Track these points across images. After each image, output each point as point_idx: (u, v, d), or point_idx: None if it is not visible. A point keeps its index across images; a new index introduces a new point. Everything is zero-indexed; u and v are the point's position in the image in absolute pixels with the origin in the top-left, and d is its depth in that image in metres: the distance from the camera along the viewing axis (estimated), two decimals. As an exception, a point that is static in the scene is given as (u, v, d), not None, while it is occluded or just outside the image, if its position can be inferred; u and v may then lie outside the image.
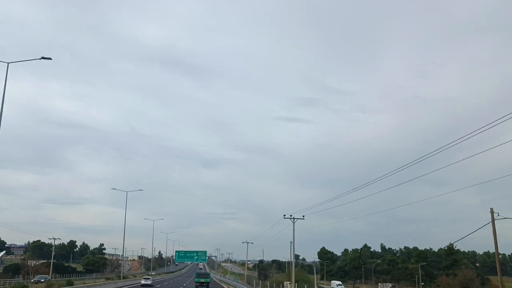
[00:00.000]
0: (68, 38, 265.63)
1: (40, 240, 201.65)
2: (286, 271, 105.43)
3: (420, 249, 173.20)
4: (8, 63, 30.69)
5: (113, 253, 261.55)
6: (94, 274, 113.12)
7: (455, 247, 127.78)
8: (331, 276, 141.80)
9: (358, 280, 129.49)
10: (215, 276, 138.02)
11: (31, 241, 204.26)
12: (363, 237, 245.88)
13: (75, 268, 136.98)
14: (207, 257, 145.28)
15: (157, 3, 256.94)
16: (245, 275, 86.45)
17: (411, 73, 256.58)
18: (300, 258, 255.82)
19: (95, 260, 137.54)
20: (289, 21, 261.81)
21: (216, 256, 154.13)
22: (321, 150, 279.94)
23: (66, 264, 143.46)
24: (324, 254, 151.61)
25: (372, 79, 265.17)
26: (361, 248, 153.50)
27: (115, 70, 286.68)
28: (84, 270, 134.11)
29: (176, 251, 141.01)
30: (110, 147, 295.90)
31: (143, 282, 71.05)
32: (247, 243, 79.72)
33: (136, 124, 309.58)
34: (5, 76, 30.10)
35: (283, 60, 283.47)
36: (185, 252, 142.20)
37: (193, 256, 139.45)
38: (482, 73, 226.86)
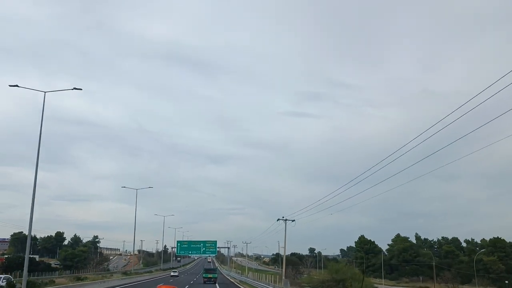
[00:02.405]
0: (74, 35, 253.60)
1: (22, 232, 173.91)
2: (328, 266, 74.81)
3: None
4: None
5: (107, 246, 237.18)
6: (57, 272, 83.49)
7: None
8: (374, 272, 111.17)
9: (420, 277, 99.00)
10: (228, 273, 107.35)
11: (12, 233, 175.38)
12: (370, 231, 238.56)
13: (50, 264, 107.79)
14: (217, 249, 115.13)
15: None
16: (284, 271, 55.83)
17: (420, 66, 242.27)
18: (316, 252, 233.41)
19: (74, 254, 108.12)
20: (295, 14, 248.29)
21: (229, 248, 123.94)
22: (329, 145, 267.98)
23: (38, 259, 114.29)
24: (364, 244, 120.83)
25: (380, 72, 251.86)
26: (370, 241, 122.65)
27: (122, 67, 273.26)
28: (61, 267, 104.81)
29: (177, 242, 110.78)
30: (117, 143, 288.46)
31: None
32: (285, 220, 49.10)
33: (143, 121, 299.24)
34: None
35: (289, 55, 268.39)
36: (189, 242, 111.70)
37: (200, 247, 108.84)
38: (492, 66, 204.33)
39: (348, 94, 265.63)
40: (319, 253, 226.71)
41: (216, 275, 70.18)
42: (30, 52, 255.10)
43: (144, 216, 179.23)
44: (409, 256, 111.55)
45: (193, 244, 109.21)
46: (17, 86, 35.69)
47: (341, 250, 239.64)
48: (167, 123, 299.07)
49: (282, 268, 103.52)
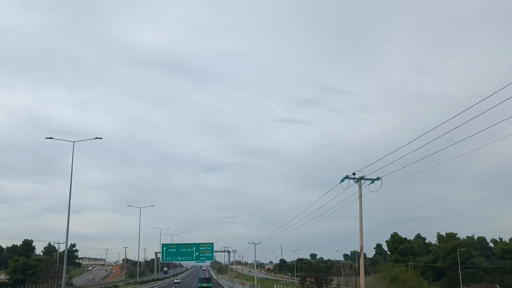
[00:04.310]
0: (65, 44, 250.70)
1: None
2: (382, 272, 50.98)
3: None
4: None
5: (90, 256, 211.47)
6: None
7: None
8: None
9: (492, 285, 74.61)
10: (231, 285, 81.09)
11: None
12: (364, 236, 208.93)
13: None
14: (214, 254, 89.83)
15: (155, 6, 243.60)
16: (361, 280, 30.65)
17: (412, 70, 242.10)
18: (318, 257, 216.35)
19: (28, 265, 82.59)
20: (288, 21, 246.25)
21: (229, 252, 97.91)
22: (323, 150, 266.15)
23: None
24: (398, 243, 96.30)
25: (372, 77, 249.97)
26: (406, 239, 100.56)
27: (114, 75, 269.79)
28: (10, 281, 79.42)
29: (162, 245, 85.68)
30: (110, 153, 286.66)
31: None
32: (359, 180, 24.62)
33: (136, 130, 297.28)
34: None
35: (281, 61, 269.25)
36: (178, 245, 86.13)
37: (192, 252, 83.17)
38: (484, 69, 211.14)
39: (341, 99, 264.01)
40: (321, 258, 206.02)
41: (211, 285, 72.73)
42: (20, 61, 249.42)
43: (135, 225, 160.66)
44: (460, 257, 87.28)
45: (183, 248, 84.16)
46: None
47: (345, 255, 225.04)
48: (161, 131, 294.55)
49: (296, 275, 78.17)
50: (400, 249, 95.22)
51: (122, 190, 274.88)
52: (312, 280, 71.55)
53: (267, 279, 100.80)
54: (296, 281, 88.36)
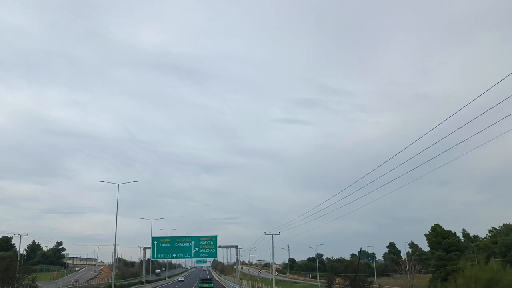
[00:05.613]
0: (65, 45, 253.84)
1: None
2: (466, 270, 31.58)
3: None
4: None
5: (81, 256, 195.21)
6: None
7: None
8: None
9: None
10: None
11: None
12: (365, 237, 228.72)
13: None
14: (217, 249, 72.45)
15: (154, 7, 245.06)
16: None
17: (412, 70, 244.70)
18: (324, 257, 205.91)
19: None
20: (286, 21, 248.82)
21: (237, 247, 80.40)
22: (323, 151, 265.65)
23: None
24: (442, 237, 79.11)
25: (372, 77, 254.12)
26: (450, 232, 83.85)
27: (113, 76, 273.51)
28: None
29: (153, 239, 68.56)
30: (110, 154, 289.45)
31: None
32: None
33: (136, 131, 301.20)
34: None
35: (281, 61, 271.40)
36: (173, 239, 69.11)
37: (190, 247, 66.36)
38: (484, 69, 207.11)
39: (340, 100, 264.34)
40: (329, 258, 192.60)
41: (212, 285, 71.73)
42: (20, 62, 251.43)
43: (136, 227, 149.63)
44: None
45: (179, 242, 67.16)
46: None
47: (353, 255, 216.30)
48: (160, 132, 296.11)
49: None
50: (445, 244, 77.98)
51: (122, 191, 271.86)
52: (347, 282, 54.36)
53: (280, 280, 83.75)
54: (319, 284, 71.27)
